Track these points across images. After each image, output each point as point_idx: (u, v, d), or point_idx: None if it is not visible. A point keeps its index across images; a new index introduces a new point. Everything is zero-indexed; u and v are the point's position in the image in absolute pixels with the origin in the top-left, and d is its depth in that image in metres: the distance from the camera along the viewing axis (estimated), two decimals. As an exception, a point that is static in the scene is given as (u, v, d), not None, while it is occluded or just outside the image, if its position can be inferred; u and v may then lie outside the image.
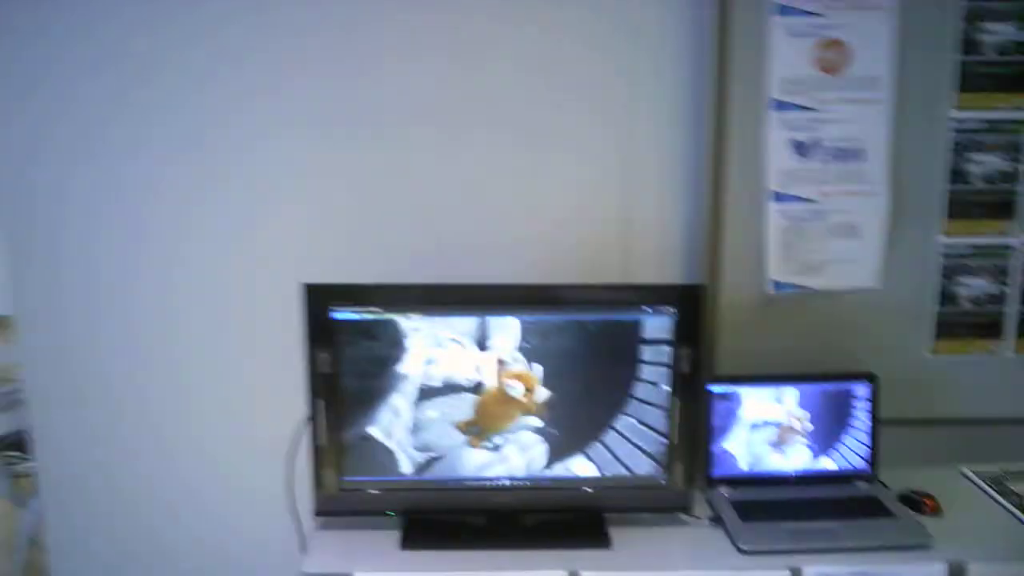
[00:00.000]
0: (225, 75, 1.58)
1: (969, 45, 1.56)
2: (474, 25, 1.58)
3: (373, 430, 1.42)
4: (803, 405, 1.53)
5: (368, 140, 1.61)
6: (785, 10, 1.52)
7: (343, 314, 1.38)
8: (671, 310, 1.40)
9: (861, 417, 1.54)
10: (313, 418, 1.42)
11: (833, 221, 1.60)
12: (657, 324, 1.40)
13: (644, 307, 1.40)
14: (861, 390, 1.55)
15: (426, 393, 1.41)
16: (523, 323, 1.39)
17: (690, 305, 1.40)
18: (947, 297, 1.63)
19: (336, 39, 1.57)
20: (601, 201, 1.65)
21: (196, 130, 1.60)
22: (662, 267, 1.66)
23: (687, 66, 1.60)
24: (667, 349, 1.40)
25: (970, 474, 1.61)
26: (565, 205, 1.64)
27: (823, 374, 1.56)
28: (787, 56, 1.54)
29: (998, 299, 1.64)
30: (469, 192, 1.64)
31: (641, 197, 1.64)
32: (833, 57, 1.54)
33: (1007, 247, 1.63)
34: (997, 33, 1.56)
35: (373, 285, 1.40)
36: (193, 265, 1.65)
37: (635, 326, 1.40)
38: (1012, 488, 1.55)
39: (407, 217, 1.64)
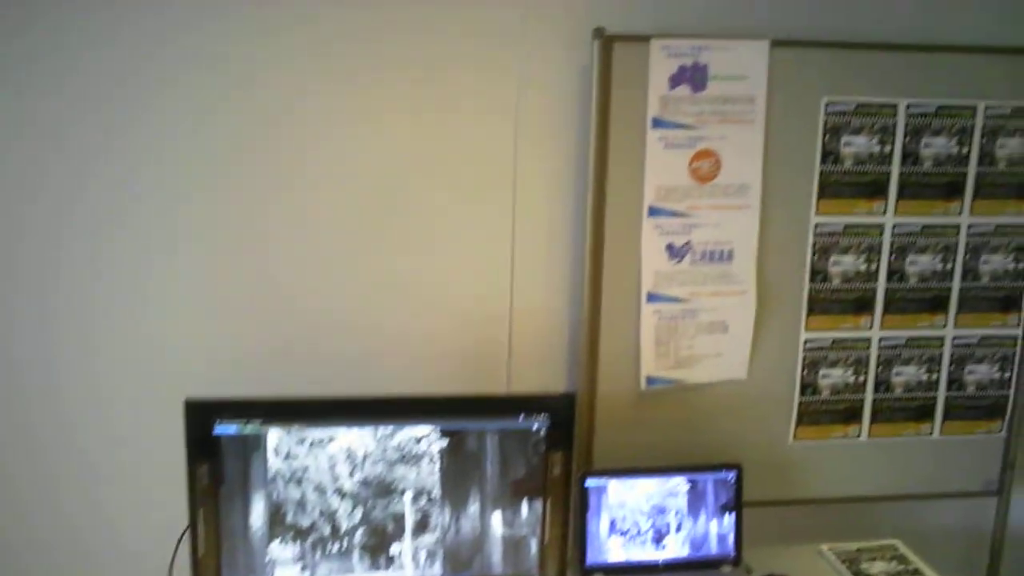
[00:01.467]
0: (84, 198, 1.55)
1: (829, 155, 1.65)
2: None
3: (254, 540, 1.43)
4: (673, 495, 1.62)
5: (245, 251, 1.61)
6: (660, 123, 1.59)
7: (225, 428, 1.38)
8: (545, 417, 1.45)
9: (727, 504, 1.64)
10: (193, 528, 1.42)
11: (704, 319, 1.68)
12: (531, 431, 1.45)
13: (519, 415, 1.45)
14: (728, 478, 1.64)
15: (309, 503, 1.43)
16: (402, 433, 1.42)
17: (563, 412, 1.46)
18: (808, 386, 1.74)
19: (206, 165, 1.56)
20: (487, 304, 1.71)
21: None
22: (545, 365, 1.73)
23: (571, 172, 1.66)
24: (541, 453, 1.46)
25: (827, 554, 1.73)
26: (453, 309, 1.70)
27: (692, 465, 1.65)
28: (662, 166, 1.61)
29: (855, 388, 1.76)
30: (354, 298, 1.67)
31: (526, 298, 1.72)
32: (705, 167, 1.62)
33: (864, 340, 1.74)
34: (854, 145, 1.66)
35: (254, 399, 1.40)
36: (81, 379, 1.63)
37: (511, 434, 1.45)
38: (864, 569, 1.67)
39: (283, 319, 1.65)
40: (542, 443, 1.45)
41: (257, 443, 1.38)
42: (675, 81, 1.58)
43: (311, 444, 1.40)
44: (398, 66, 1.60)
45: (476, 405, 1.46)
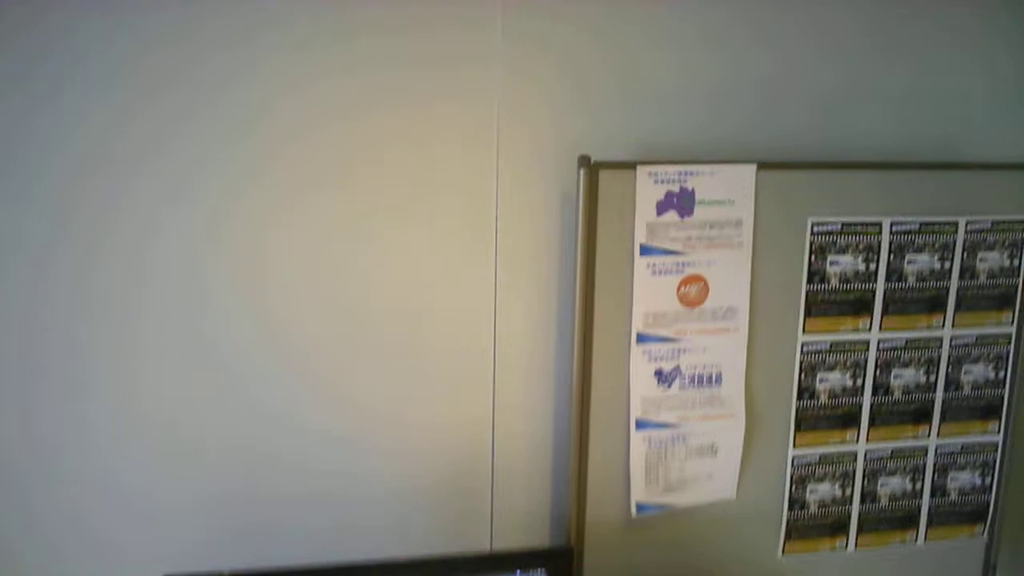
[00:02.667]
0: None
1: (815, 275, 1.64)
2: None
3: None
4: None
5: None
6: (648, 250, 1.55)
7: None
8: (541, 572, 1.40)
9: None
10: None
11: (693, 443, 1.65)
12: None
13: (515, 572, 1.40)
14: (720, 607, 1.61)
15: None
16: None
17: (561, 566, 1.41)
18: (795, 502, 1.72)
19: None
20: (469, 431, 1.67)
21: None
22: (531, 492, 1.69)
23: (552, 298, 1.62)
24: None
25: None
26: (432, 438, 1.66)
27: (685, 594, 1.62)
28: (650, 292, 1.57)
29: (842, 500, 1.74)
30: (322, 431, 1.60)
31: (509, 425, 1.67)
32: (693, 291, 1.59)
33: (851, 453, 1.73)
34: (839, 263, 1.64)
35: (236, 573, 1.33)
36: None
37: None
38: None
39: (241, 460, 1.58)
40: (538, 599, 1.40)
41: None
42: (662, 207, 1.55)
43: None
44: (372, 189, 1.54)
45: (471, 564, 1.40)
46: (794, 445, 1.70)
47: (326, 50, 1.47)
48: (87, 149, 1.43)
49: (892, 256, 1.66)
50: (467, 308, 1.62)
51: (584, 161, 1.51)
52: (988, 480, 1.81)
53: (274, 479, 1.59)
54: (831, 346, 1.68)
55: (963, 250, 1.69)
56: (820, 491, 1.74)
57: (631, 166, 1.52)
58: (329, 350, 1.58)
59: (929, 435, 1.76)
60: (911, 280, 1.68)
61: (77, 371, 1.50)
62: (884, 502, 1.77)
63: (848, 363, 1.69)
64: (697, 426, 1.64)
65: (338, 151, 1.51)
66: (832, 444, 1.72)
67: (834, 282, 1.65)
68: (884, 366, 1.70)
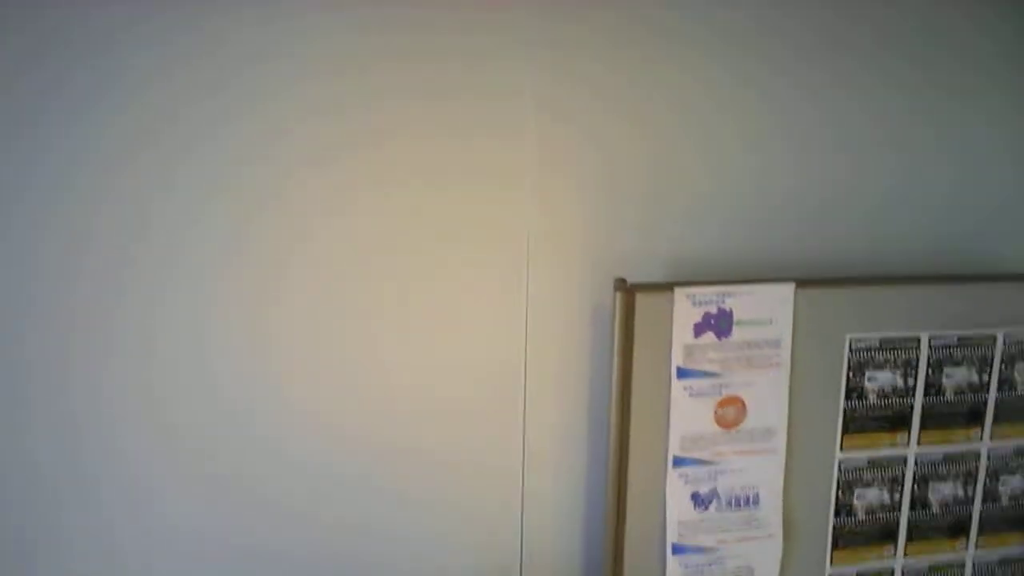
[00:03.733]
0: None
1: (853, 392, 1.60)
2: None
3: None
4: None
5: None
6: (685, 373, 1.51)
7: None
8: None
9: None
10: None
11: (729, 565, 1.60)
12: None
13: None
14: None
15: None
16: None
17: None
18: (834, 621, 1.67)
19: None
20: (500, 543, 1.62)
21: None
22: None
23: (587, 418, 1.57)
24: None
25: None
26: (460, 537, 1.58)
27: None
28: (687, 415, 1.53)
29: (880, 620, 1.70)
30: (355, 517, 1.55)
31: (538, 549, 1.60)
32: (731, 413, 1.54)
33: (888, 569, 1.68)
34: (877, 379, 1.61)
35: None
36: None
37: None
38: None
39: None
40: None
41: None
42: (700, 329, 1.51)
43: None
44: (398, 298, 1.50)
45: None
46: (831, 563, 1.65)
47: (351, 121, 1.43)
48: (103, 169, 1.38)
49: (931, 371, 1.62)
50: (493, 426, 1.57)
51: (620, 284, 1.47)
52: (1026, 592, 1.76)
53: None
54: (869, 462, 1.63)
55: (1001, 363, 1.65)
56: (857, 609, 1.69)
57: (668, 287, 1.49)
58: (359, 438, 1.53)
59: (967, 547, 1.72)
60: (949, 394, 1.64)
61: (113, 393, 1.44)
62: (921, 616, 1.72)
63: (886, 478, 1.65)
64: (734, 548, 1.59)
65: (356, 241, 1.46)
66: (871, 560, 1.67)
67: (872, 398, 1.61)
68: (922, 480, 1.66)
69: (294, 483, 1.52)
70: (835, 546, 1.66)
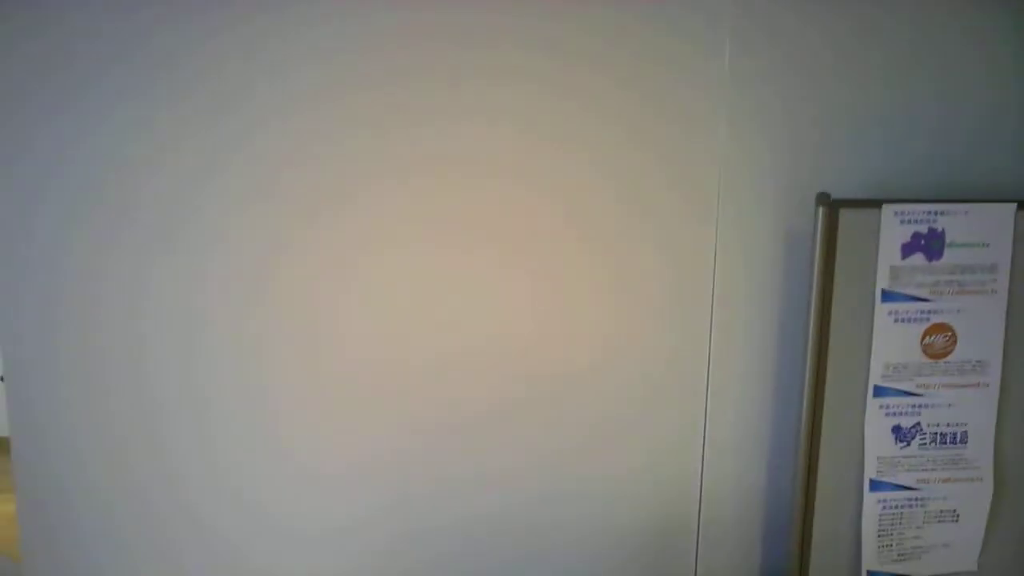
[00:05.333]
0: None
1: (1079, 325, 1.46)
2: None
3: None
4: None
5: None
6: (891, 296, 1.42)
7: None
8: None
9: None
10: None
11: (932, 508, 1.50)
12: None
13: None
14: None
15: None
16: None
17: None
18: (1046, 578, 1.54)
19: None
20: (677, 486, 1.58)
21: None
22: (740, 552, 1.60)
23: (771, 343, 1.52)
24: None
25: None
26: (636, 490, 1.57)
27: (923, 676, 1.46)
28: (891, 342, 1.44)
29: (1099, 580, 1.54)
30: (523, 484, 1.54)
31: (723, 480, 1.58)
32: (939, 342, 1.44)
33: (1111, 527, 1.53)
34: (1109, 313, 1.46)
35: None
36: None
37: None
38: None
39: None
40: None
41: None
42: (908, 249, 1.41)
43: None
44: (566, 228, 1.48)
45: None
46: (1047, 514, 1.52)
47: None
48: (103, 152, 1.41)
49: None
50: (678, 349, 1.53)
51: (823, 199, 1.39)
52: None
53: (455, 533, 1.54)
54: (1095, 405, 1.49)
55: None
56: (1075, 567, 1.54)
57: (875, 204, 1.40)
58: (527, 405, 1.52)
59: None
60: None
61: (202, 382, 1.49)
62: None
63: (1114, 425, 1.49)
64: (938, 489, 1.49)
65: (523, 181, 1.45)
66: (1092, 515, 1.52)
67: (1101, 334, 1.46)
68: None
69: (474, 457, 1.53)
70: (1052, 496, 1.52)
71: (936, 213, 1.41)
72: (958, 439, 1.48)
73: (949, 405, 1.47)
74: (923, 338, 1.44)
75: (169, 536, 1.52)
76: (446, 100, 1.41)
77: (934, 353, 1.45)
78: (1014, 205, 1.42)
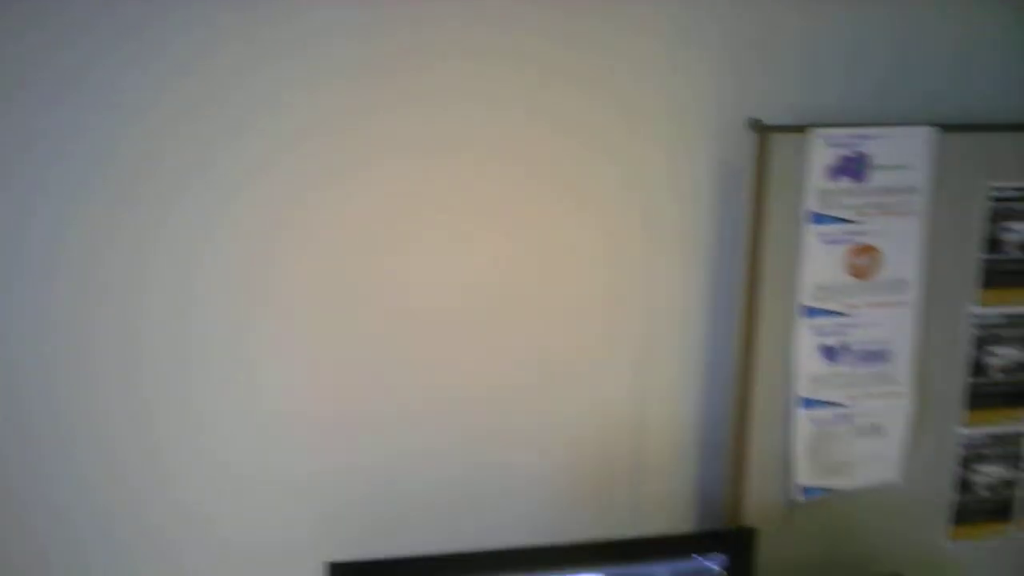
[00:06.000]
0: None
1: (991, 243, 1.53)
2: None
3: None
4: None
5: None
6: (820, 218, 1.46)
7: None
8: (723, 557, 1.33)
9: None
10: None
11: (859, 422, 1.56)
12: (708, 572, 1.33)
13: (693, 555, 1.33)
14: (890, 594, 1.53)
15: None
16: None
17: (741, 549, 1.34)
18: (965, 485, 1.63)
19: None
20: (614, 406, 1.60)
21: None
22: (676, 473, 1.64)
23: (708, 270, 1.54)
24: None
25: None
26: (571, 418, 1.59)
27: (854, 582, 1.54)
28: (820, 263, 1.48)
29: (1012, 484, 1.64)
30: (468, 416, 1.54)
31: (658, 402, 1.61)
32: (865, 263, 1.49)
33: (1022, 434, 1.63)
34: (1018, 231, 1.54)
35: (405, 558, 1.27)
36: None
37: None
38: None
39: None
40: (721, 586, 1.33)
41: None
42: (835, 173, 1.46)
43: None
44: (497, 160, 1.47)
45: (646, 547, 1.33)
46: (964, 424, 1.60)
47: None
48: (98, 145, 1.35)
49: (1075, 223, 1.55)
50: (612, 277, 1.54)
51: (755, 123, 1.42)
52: None
53: (409, 463, 1.53)
54: (1008, 319, 1.57)
55: None
56: (991, 473, 1.63)
57: (803, 129, 1.43)
58: (466, 338, 1.51)
59: (1106, 414, 1.65)
60: (1093, 249, 1.57)
61: (184, 353, 1.44)
62: (1057, 485, 1.67)
63: None
64: (864, 404, 1.55)
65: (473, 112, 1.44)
66: (1005, 423, 1.62)
67: (1012, 251, 1.55)
68: (1062, 340, 1.59)
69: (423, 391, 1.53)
70: (969, 407, 1.60)
71: (861, 137, 1.45)
72: (882, 356, 1.54)
73: (874, 324, 1.52)
74: (850, 259, 1.49)
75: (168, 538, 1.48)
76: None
77: (860, 273, 1.50)
78: (930, 128, 1.47)
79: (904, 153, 1.47)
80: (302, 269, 1.42)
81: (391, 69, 1.39)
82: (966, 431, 1.61)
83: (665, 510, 1.66)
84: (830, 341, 1.52)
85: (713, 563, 1.33)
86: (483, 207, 1.48)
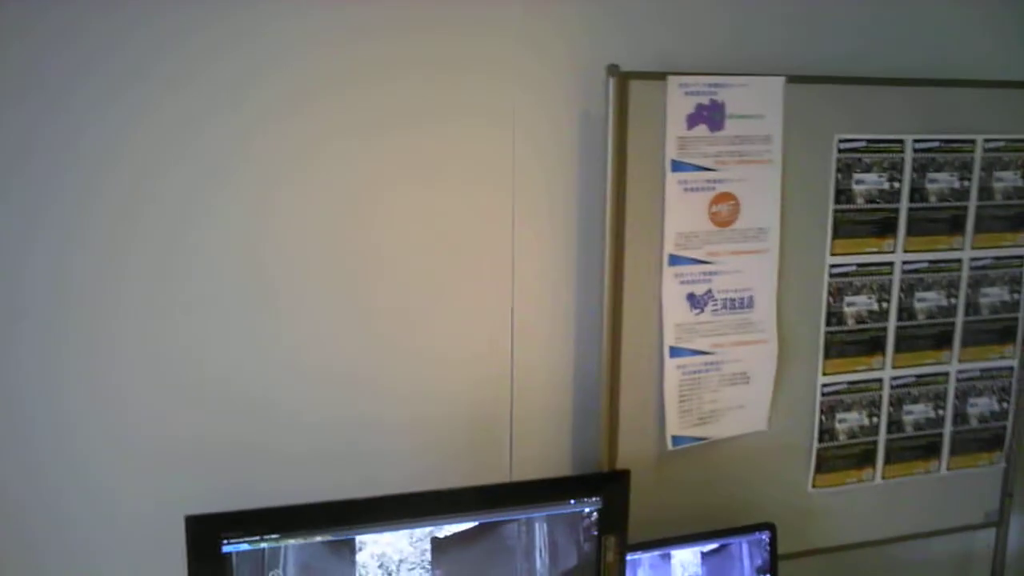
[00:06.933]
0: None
1: (842, 194, 1.59)
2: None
3: None
4: (707, 563, 1.51)
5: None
6: (680, 166, 1.48)
7: (236, 546, 1.16)
8: (598, 499, 1.31)
9: (763, 567, 1.54)
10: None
11: (727, 371, 1.58)
12: (582, 515, 1.30)
13: (570, 499, 1.30)
14: (762, 539, 1.55)
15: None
16: (435, 535, 1.24)
17: (616, 492, 1.32)
18: (825, 432, 1.67)
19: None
20: (489, 364, 1.55)
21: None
22: (553, 429, 1.62)
23: (576, 221, 1.53)
24: (592, 539, 1.31)
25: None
26: (447, 373, 1.55)
27: (725, 529, 1.55)
28: (682, 211, 1.50)
29: (870, 430, 1.70)
30: (332, 374, 1.48)
31: (531, 356, 1.58)
32: (725, 210, 1.52)
33: (877, 380, 1.69)
34: (865, 183, 1.60)
35: (269, 509, 1.19)
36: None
37: (560, 521, 1.29)
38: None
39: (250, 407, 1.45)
40: (594, 527, 1.30)
41: (276, 560, 1.17)
42: (693, 120, 1.48)
43: (337, 556, 1.19)
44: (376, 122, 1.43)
45: (522, 492, 1.30)
46: (823, 372, 1.65)
47: None
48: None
49: (915, 175, 1.63)
50: (482, 234, 1.52)
51: (613, 70, 1.43)
52: (1005, 406, 1.79)
53: (285, 419, 1.46)
54: (857, 268, 1.64)
55: (980, 169, 1.67)
56: (849, 421, 1.69)
57: (661, 76, 1.45)
58: (343, 285, 1.45)
59: (950, 360, 1.73)
60: (933, 200, 1.65)
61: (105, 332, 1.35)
62: (909, 431, 1.74)
63: (874, 285, 1.65)
64: (730, 352, 1.57)
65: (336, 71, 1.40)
66: (859, 371, 1.68)
67: (860, 201, 1.61)
68: (908, 289, 1.67)
69: (299, 338, 1.46)
70: (827, 355, 1.65)
71: (716, 86, 1.48)
72: (745, 304, 1.57)
73: (736, 271, 1.55)
74: (710, 207, 1.51)
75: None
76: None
77: (721, 221, 1.52)
78: (783, 78, 1.52)
79: (758, 102, 1.51)
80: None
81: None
82: (825, 379, 1.66)
83: (541, 462, 1.64)
84: (695, 289, 1.53)
85: (589, 507, 1.30)
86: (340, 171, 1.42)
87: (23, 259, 1.31)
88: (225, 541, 1.14)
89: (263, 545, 1.16)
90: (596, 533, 1.30)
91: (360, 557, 1.20)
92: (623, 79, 1.44)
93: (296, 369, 1.46)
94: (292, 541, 1.16)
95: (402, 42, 1.42)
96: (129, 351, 1.38)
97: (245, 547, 1.15)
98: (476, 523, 1.25)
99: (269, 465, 1.47)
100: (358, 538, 1.20)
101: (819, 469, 1.69)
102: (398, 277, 1.49)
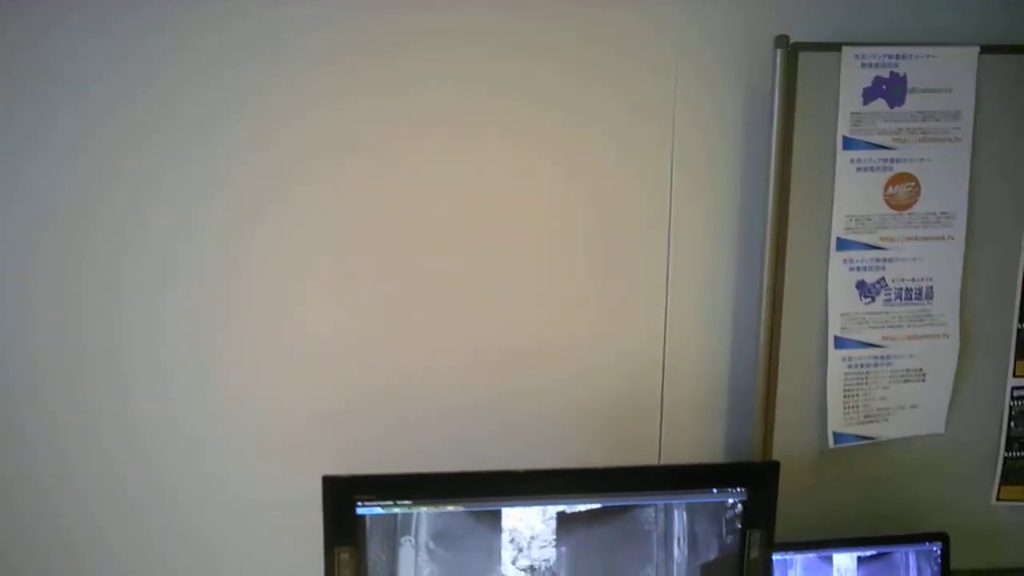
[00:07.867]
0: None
1: (1045, 176, 1.43)
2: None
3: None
4: (864, 569, 1.41)
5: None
6: (852, 144, 1.38)
7: (369, 509, 1.21)
8: (743, 490, 1.25)
9: (930, 580, 1.43)
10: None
11: (899, 366, 1.46)
12: (726, 506, 1.25)
13: (713, 488, 1.25)
14: (933, 551, 1.43)
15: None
16: (565, 513, 1.23)
17: (763, 484, 1.26)
18: (1015, 440, 1.51)
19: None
20: (641, 347, 1.52)
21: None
22: (705, 419, 1.56)
23: (739, 202, 1.46)
24: (736, 532, 1.26)
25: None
26: (598, 363, 1.53)
27: (890, 536, 1.44)
28: (853, 192, 1.40)
29: (1067, 442, 1.52)
30: (486, 351, 1.50)
31: (685, 342, 1.53)
32: (903, 192, 1.40)
33: (1079, 387, 1.50)
34: (1074, 163, 1.43)
35: (403, 475, 1.23)
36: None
37: (701, 510, 1.25)
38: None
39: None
40: (737, 520, 1.25)
41: (408, 526, 1.20)
42: (869, 95, 1.37)
43: (471, 528, 1.21)
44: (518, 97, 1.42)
45: (663, 477, 1.27)
46: (1015, 374, 1.49)
47: None
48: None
49: None
50: (639, 215, 1.48)
51: (782, 41, 1.35)
52: None
53: (440, 390, 1.49)
54: (1063, 259, 1.46)
55: None
56: (1045, 429, 1.52)
57: (835, 47, 1.36)
58: (499, 269, 1.48)
59: None
60: None
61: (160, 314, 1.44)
62: (1119, 445, 1.53)
63: (1082, 279, 1.47)
64: (904, 347, 1.45)
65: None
66: (1060, 374, 1.50)
67: (1067, 185, 1.43)
68: (1125, 284, 1.47)
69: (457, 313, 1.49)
70: (1020, 355, 1.49)
71: (898, 57, 1.37)
72: (923, 294, 1.44)
73: (914, 259, 1.43)
74: (886, 188, 1.40)
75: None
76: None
77: (897, 204, 1.41)
78: (977, 48, 1.38)
79: (947, 75, 1.38)
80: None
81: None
82: (1017, 382, 1.50)
83: (692, 454, 1.59)
84: (866, 276, 1.43)
85: (733, 497, 1.25)
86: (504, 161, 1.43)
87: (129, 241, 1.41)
88: (359, 503, 1.18)
89: (396, 511, 1.19)
90: (740, 527, 1.25)
91: (494, 530, 1.21)
92: (792, 51, 1.36)
93: (449, 370, 1.49)
94: (424, 509, 1.19)
95: (563, 16, 1.40)
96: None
97: (379, 511, 1.19)
98: (610, 505, 1.23)
99: (411, 434, 1.51)
100: (500, 511, 1.21)
101: (1006, 480, 1.53)
102: (564, 260, 1.48)
